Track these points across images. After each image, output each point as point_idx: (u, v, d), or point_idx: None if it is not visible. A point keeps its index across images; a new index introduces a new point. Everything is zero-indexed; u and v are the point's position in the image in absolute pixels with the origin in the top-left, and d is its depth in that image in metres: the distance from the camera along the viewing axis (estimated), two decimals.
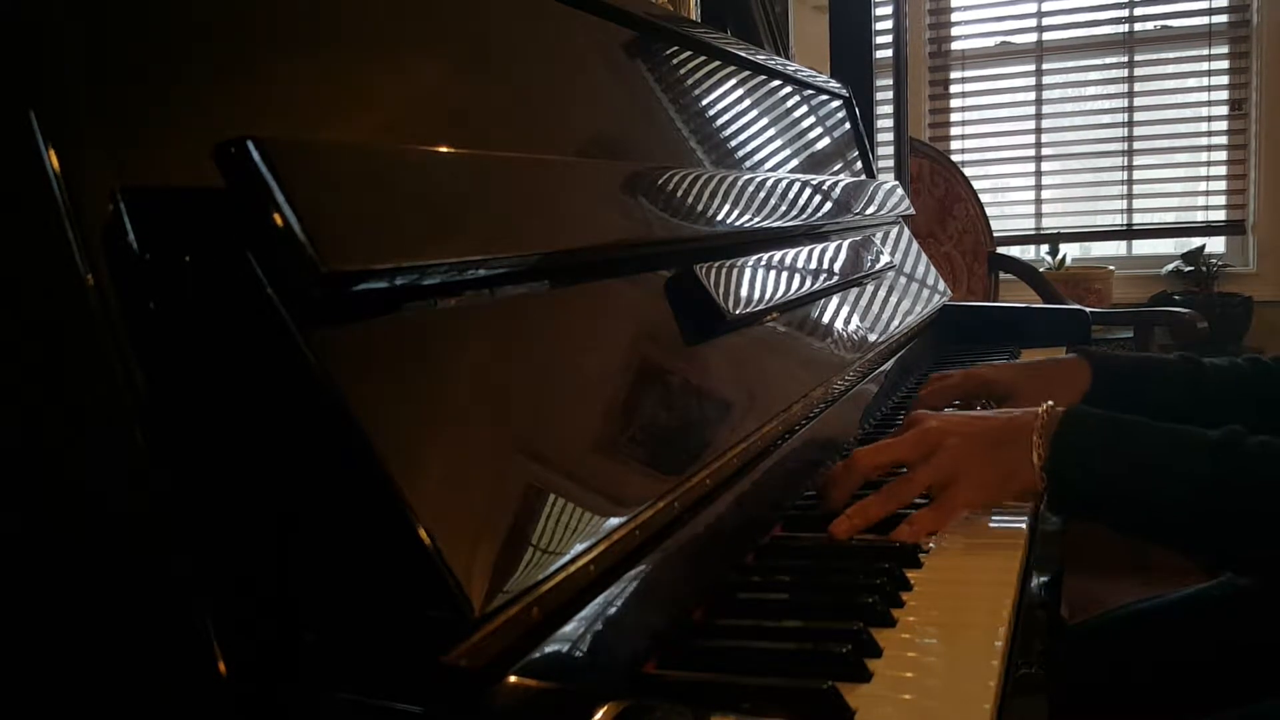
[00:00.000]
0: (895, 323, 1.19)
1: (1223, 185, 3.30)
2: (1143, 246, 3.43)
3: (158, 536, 0.39)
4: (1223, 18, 3.25)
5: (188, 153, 0.43)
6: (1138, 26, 3.33)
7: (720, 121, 1.03)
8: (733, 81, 1.09)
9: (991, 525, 0.74)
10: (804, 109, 1.31)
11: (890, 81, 2.01)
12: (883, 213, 1.33)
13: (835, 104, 1.47)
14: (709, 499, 0.62)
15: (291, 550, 0.40)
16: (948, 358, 1.40)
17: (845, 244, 1.13)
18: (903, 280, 1.33)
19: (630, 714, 0.36)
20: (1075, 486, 0.70)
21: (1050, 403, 0.72)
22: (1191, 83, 3.32)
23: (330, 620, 0.40)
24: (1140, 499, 0.68)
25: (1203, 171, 3.33)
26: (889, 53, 2.03)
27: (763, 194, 0.93)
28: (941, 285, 1.51)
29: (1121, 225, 3.40)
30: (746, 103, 1.11)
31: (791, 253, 0.96)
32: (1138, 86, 3.35)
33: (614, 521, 0.52)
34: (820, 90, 1.40)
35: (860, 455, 0.74)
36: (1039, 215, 3.48)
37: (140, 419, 0.39)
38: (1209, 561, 0.80)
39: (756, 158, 1.09)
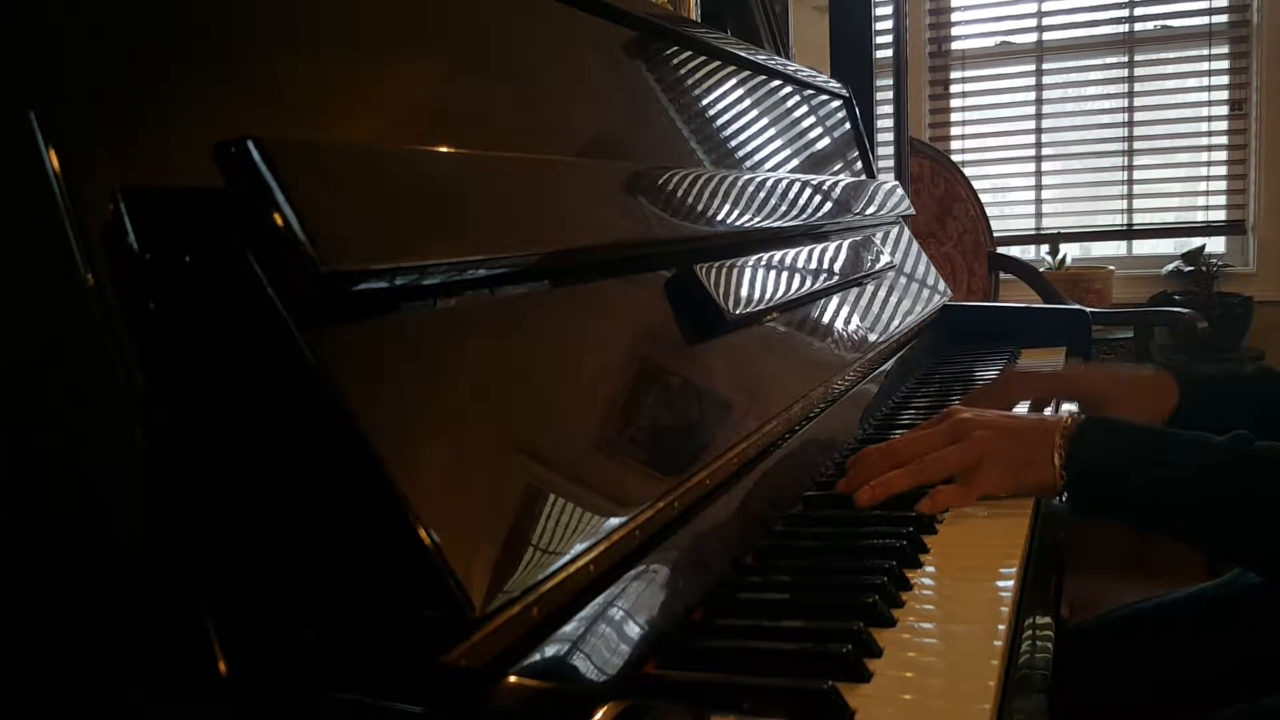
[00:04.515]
0: (895, 323, 1.19)
1: (1223, 185, 3.30)
2: (1143, 246, 3.43)
3: (158, 536, 0.39)
4: (1223, 18, 3.24)
5: (188, 153, 0.43)
6: (1138, 26, 3.33)
7: (720, 121, 1.03)
8: (733, 81, 1.09)
9: (993, 525, 0.74)
10: (804, 109, 1.31)
11: (890, 81, 2.01)
12: (883, 213, 1.33)
13: (835, 104, 1.46)
14: (709, 499, 0.62)
15: (292, 550, 0.40)
16: (948, 358, 1.40)
17: (845, 244, 1.13)
18: (903, 280, 1.33)
19: (630, 714, 0.36)
20: (1093, 483, 0.75)
21: (1074, 410, 0.80)
22: (1191, 83, 3.32)
23: (330, 620, 0.40)
24: (1150, 493, 0.73)
25: (1203, 171, 3.33)
26: (889, 53, 2.03)
27: (763, 194, 0.93)
28: (941, 285, 1.51)
29: (1121, 225, 3.40)
30: (746, 103, 1.11)
31: (791, 253, 0.96)
32: (1138, 86, 3.35)
33: (614, 521, 0.52)
34: (820, 90, 1.40)
35: (896, 441, 0.80)
36: (1039, 215, 3.48)
37: (140, 419, 0.39)
38: (1219, 555, 0.87)
39: (756, 158, 1.09)
